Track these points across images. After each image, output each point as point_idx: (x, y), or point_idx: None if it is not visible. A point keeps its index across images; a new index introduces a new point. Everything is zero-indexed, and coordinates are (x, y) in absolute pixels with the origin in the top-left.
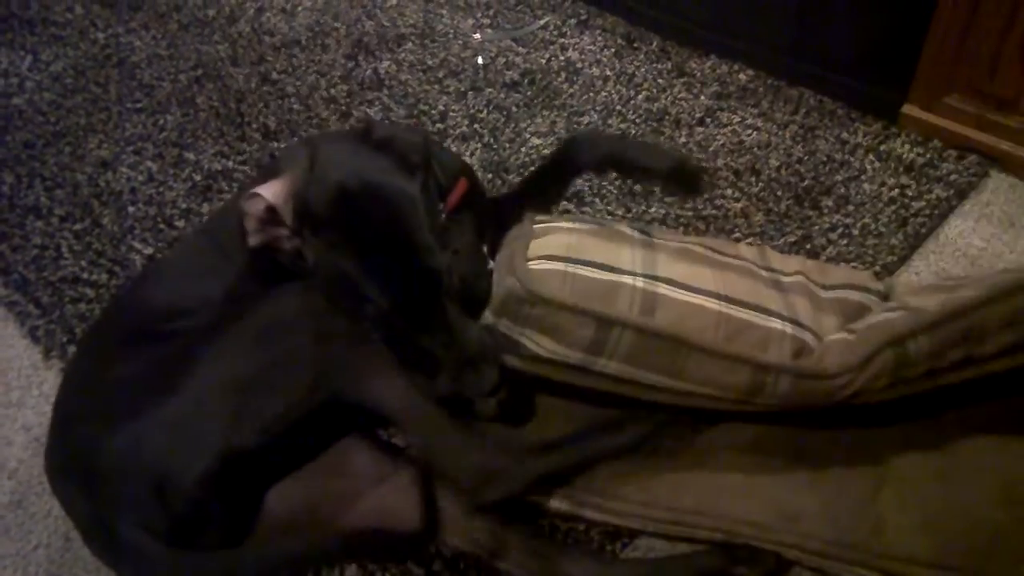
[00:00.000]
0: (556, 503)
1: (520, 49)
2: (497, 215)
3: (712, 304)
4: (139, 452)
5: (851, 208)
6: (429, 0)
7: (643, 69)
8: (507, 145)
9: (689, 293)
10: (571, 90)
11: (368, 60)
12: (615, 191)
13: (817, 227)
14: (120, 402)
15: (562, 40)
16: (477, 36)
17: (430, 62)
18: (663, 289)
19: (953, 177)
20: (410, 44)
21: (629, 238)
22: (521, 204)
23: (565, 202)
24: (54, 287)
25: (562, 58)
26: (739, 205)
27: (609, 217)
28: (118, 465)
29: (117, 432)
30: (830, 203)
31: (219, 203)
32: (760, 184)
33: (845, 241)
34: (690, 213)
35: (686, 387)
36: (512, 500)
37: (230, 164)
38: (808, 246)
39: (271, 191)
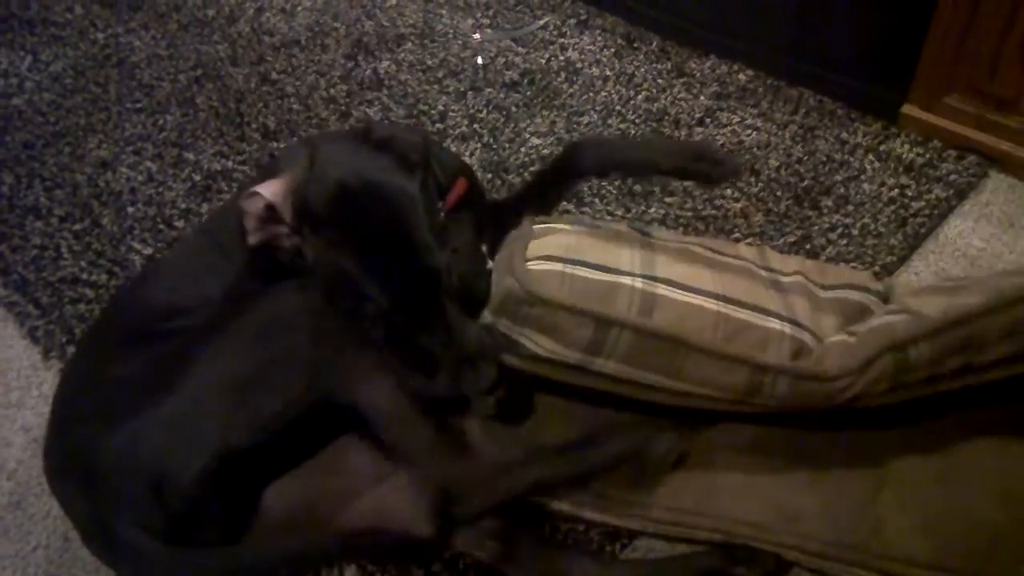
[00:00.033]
0: (556, 503)
1: (520, 49)
2: (498, 218)
3: (711, 304)
4: (137, 451)
5: (851, 208)
6: (428, 0)
7: (643, 69)
8: (507, 145)
9: (688, 293)
10: (571, 90)
11: (368, 60)
12: (614, 191)
13: (817, 227)
14: (118, 402)
15: (562, 40)
16: (477, 36)
17: (430, 62)
18: (662, 289)
19: (953, 177)
20: (410, 44)
21: (628, 239)
22: (521, 207)
23: (564, 203)
24: (53, 287)
25: (562, 58)
26: (739, 205)
27: (608, 217)
28: (116, 464)
29: (115, 432)
30: (830, 203)
31: (218, 203)
32: (760, 184)
33: (845, 241)
34: (689, 213)
35: (684, 387)
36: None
37: (229, 164)
38: (808, 246)
39: (270, 189)
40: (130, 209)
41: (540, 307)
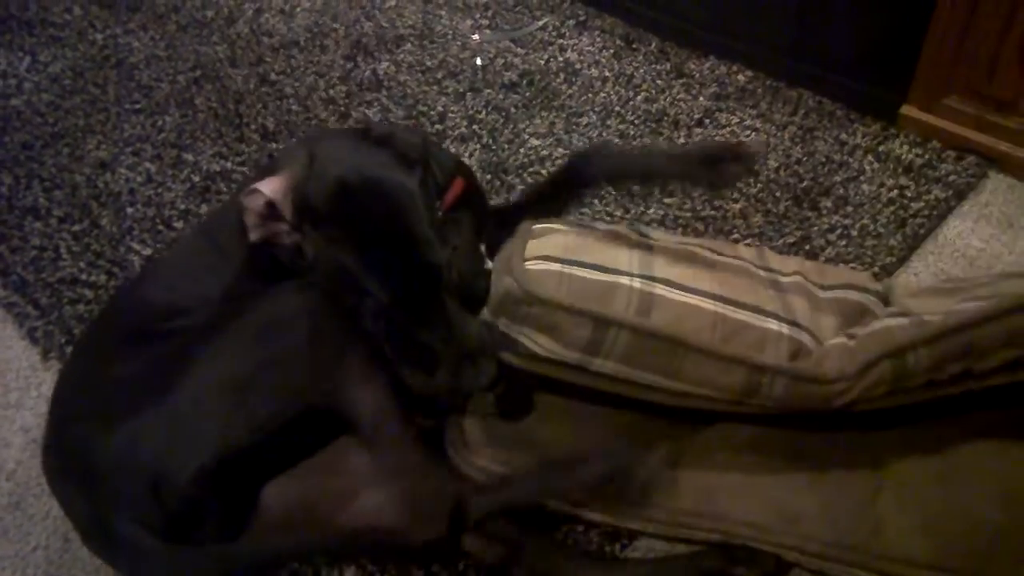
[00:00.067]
0: (555, 505)
1: (519, 50)
2: (499, 222)
3: (708, 305)
4: (136, 450)
5: (850, 209)
6: (428, 1)
7: (642, 70)
8: (506, 146)
9: (686, 294)
10: (570, 91)
11: (367, 61)
12: (614, 192)
13: (816, 228)
14: (118, 401)
15: (561, 41)
16: (476, 37)
17: (429, 63)
18: (660, 290)
19: (952, 178)
20: (409, 45)
21: (627, 239)
22: (522, 214)
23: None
24: (53, 288)
25: (561, 59)
26: (738, 206)
27: (608, 218)
28: (115, 463)
29: (115, 431)
30: (829, 204)
31: (218, 204)
32: (759, 185)
33: (844, 242)
34: (688, 214)
35: (682, 387)
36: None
37: (229, 165)
38: (807, 247)
39: (271, 187)
40: (129, 210)
41: (538, 307)
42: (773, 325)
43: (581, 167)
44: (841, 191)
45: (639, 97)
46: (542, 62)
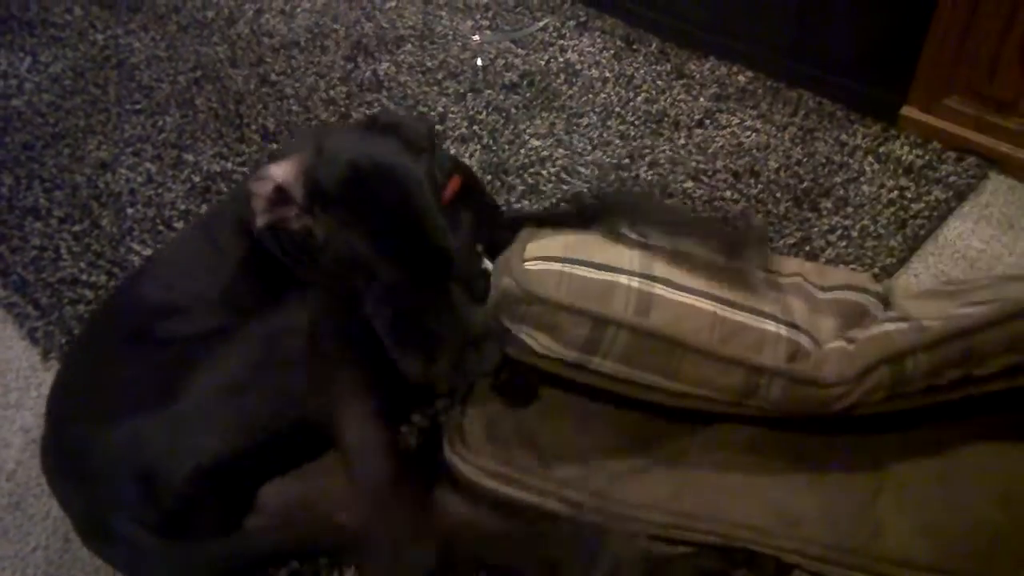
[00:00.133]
0: (555, 505)
1: (519, 51)
2: (505, 227)
3: (707, 306)
4: (133, 449)
5: (850, 210)
6: (428, 2)
7: (642, 71)
8: (506, 147)
9: (685, 294)
10: (570, 92)
11: (367, 62)
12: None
13: (816, 229)
14: (117, 401)
15: (561, 42)
16: (476, 38)
17: (429, 64)
18: (659, 289)
19: (952, 179)
20: (409, 46)
21: (627, 240)
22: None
23: (564, 204)
24: (53, 288)
25: (561, 60)
26: (738, 207)
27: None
28: (113, 462)
29: (113, 430)
30: (829, 205)
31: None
32: (759, 186)
33: (844, 243)
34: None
35: (681, 387)
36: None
37: (229, 166)
38: (807, 248)
39: (279, 171)
40: (129, 210)
41: (537, 306)
42: (771, 327)
43: (593, 211)
44: (841, 192)
45: (639, 98)
46: (543, 63)
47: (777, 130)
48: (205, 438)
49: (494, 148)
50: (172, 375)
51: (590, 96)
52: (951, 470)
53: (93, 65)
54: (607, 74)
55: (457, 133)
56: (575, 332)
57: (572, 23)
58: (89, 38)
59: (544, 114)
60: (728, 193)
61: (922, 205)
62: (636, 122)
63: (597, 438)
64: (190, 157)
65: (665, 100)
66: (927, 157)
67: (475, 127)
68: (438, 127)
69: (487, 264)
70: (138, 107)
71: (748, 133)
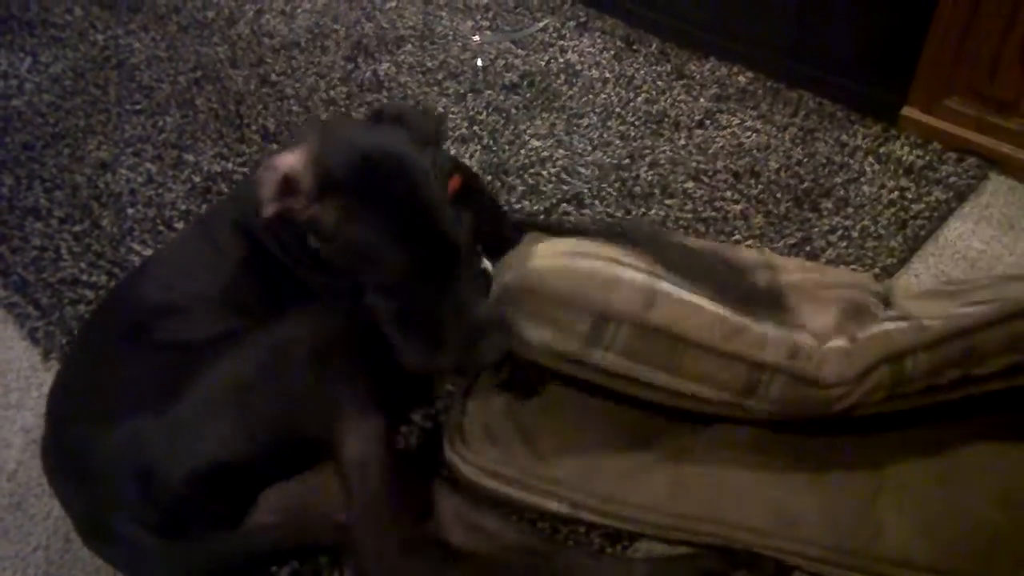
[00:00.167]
0: (555, 506)
1: (519, 51)
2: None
3: (709, 306)
4: (133, 450)
5: (850, 210)
6: (428, 2)
7: (642, 71)
8: (506, 147)
9: (688, 293)
10: (570, 92)
11: (367, 62)
12: (615, 193)
13: (817, 229)
14: (117, 402)
15: (561, 42)
16: (476, 38)
17: (429, 64)
18: (663, 286)
19: (953, 179)
20: (409, 46)
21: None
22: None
23: (564, 204)
24: (53, 289)
25: (561, 60)
26: (739, 207)
27: (609, 218)
28: (113, 462)
29: (114, 431)
30: (829, 205)
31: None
32: (760, 186)
33: (844, 243)
34: (689, 215)
35: (681, 384)
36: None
37: (229, 166)
38: (808, 248)
39: (287, 161)
40: (130, 210)
41: (540, 299)
42: (772, 329)
43: (619, 235)
44: (842, 192)
45: (640, 98)
46: (543, 63)
47: (777, 130)
48: (204, 442)
49: (494, 148)
50: (174, 378)
51: (590, 96)
52: (951, 470)
53: (93, 65)
54: (607, 75)
55: (457, 133)
56: (578, 325)
57: (572, 24)
58: (89, 38)
59: (544, 114)
60: (728, 193)
61: (922, 205)
62: (636, 122)
63: (598, 436)
64: (190, 157)
65: (665, 100)
66: (927, 158)
67: (475, 127)
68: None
69: (486, 264)
70: (138, 107)
71: (748, 133)
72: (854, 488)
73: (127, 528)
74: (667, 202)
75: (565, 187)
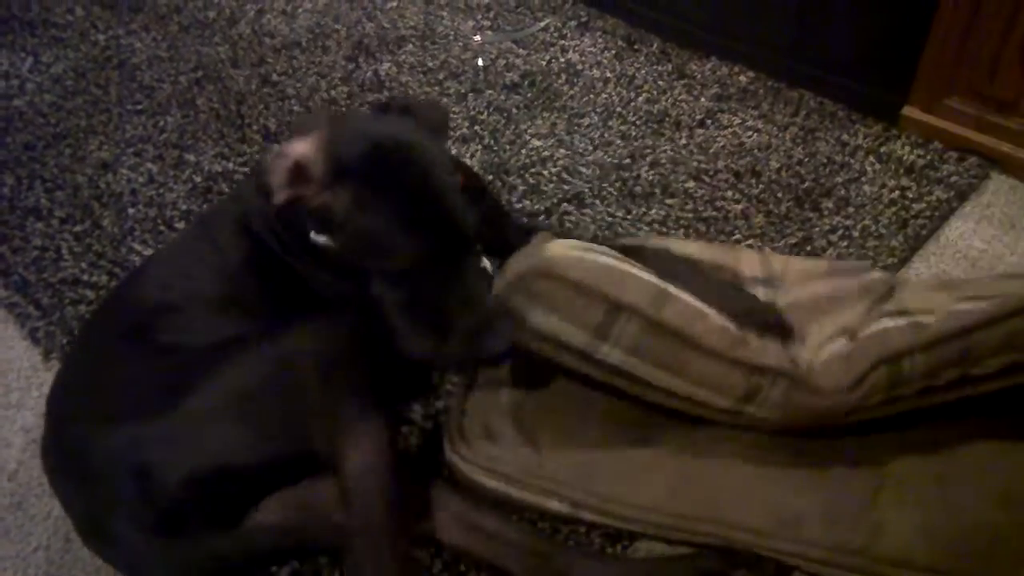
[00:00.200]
0: (555, 505)
1: (520, 51)
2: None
3: (715, 315)
4: (133, 452)
5: (851, 210)
6: (429, 2)
7: (643, 71)
8: (507, 147)
9: (696, 300)
10: (571, 92)
11: (368, 62)
12: (615, 192)
13: (817, 229)
14: (117, 402)
15: (562, 42)
16: (477, 38)
17: (430, 64)
18: (672, 290)
19: (954, 179)
20: (410, 46)
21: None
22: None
23: (565, 203)
24: (54, 289)
25: (562, 60)
26: (740, 207)
27: (609, 218)
28: (112, 463)
29: (114, 432)
30: (830, 205)
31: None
32: (760, 186)
33: (845, 243)
34: (690, 215)
35: (683, 386)
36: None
37: (230, 166)
38: (808, 248)
39: (299, 148)
40: (131, 211)
41: (554, 282)
42: (772, 343)
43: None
44: (843, 192)
45: (641, 98)
46: (544, 63)
47: (778, 130)
48: (204, 446)
49: (495, 148)
50: (177, 380)
51: (591, 96)
52: (951, 470)
53: (95, 65)
54: (608, 74)
55: (458, 133)
56: (588, 314)
57: (573, 23)
58: (91, 38)
59: (545, 114)
60: (730, 193)
61: (923, 205)
62: (637, 122)
63: (598, 435)
64: (191, 157)
65: (666, 100)
66: (928, 157)
67: (476, 127)
68: None
69: (486, 263)
70: (139, 107)
71: (749, 133)
72: (854, 488)
73: (125, 528)
74: (668, 202)
75: (566, 187)
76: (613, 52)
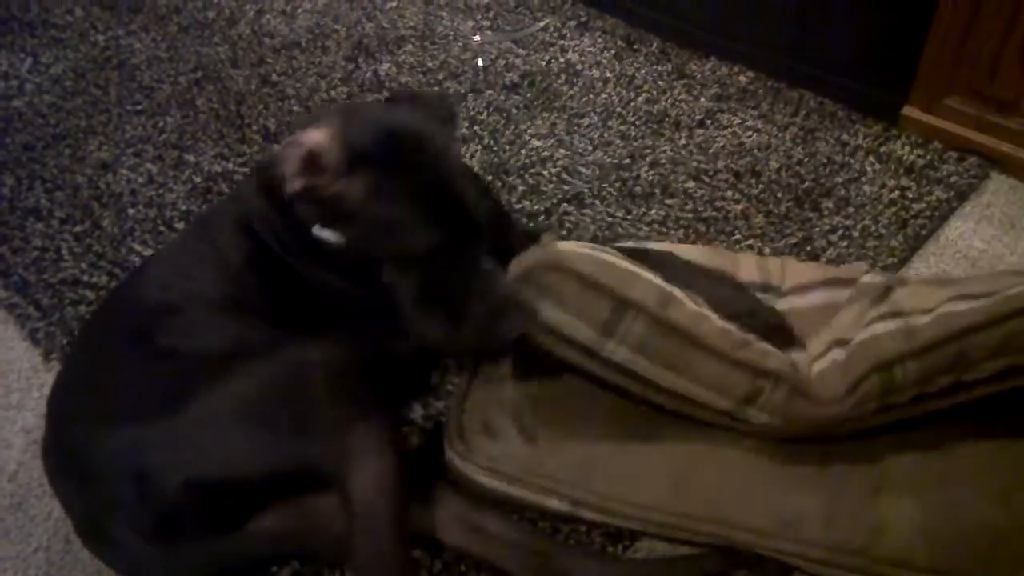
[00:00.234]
0: (555, 504)
1: (520, 51)
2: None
3: (718, 321)
4: (133, 455)
5: (851, 210)
6: (429, 2)
7: (643, 71)
8: (507, 147)
9: (699, 306)
10: (571, 92)
11: (368, 62)
12: (615, 192)
13: (817, 229)
14: (118, 404)
15: (562, 42)
16: (477, 38)
17: (430, 64)
18: (678, 292)
19: (953, 179)
20: (410, 46)
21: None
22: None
23: (565, 204)
24: (54, 289)
25: (562, 60)
26: (739, 207)
27: (609, 218)
28: (112, 465)
29: (115, 433)
30: (830, 205)
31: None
32: (760, 186)
33: (845, 243)
34: (690, 215)
35: (686, 386)
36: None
37: (230, 166)
38: (808, 248)
39: (313, 137)
40: (130, 211)
41: (563, 275)
42: (772, 348)
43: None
44: (842, 192)
45: (640, 98)
46: (543, 63)
47: (778, 130)
48: (205, 453)
49: (495, 148)
50: (179, 385)
51: (591, 96)
52: (951, 470)
53: (94, 66)
54: (608, 74)
55: (458, 133)
56: (598, 310)
57: (573, 23)
58: (90, 39)
59: (545, 114)
60: (729, 193)
61: (923, 205)
62: (637, 122)
63: (599, 433)
64: (191, 158)
65: (666, 100)
66: (928, 157)
67: (476, 127)
68: None
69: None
70: (139, 108)
71: (749, 133)
72: (854, 488)
73: (124, 531)
74: (668, 202)
75: (566, 187)
76: (613, 52)
